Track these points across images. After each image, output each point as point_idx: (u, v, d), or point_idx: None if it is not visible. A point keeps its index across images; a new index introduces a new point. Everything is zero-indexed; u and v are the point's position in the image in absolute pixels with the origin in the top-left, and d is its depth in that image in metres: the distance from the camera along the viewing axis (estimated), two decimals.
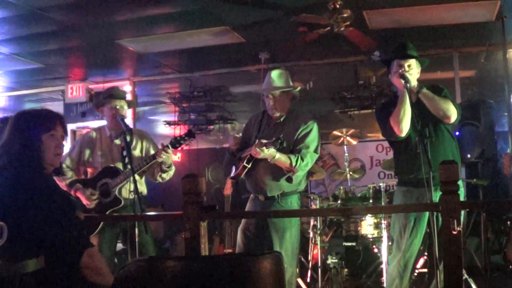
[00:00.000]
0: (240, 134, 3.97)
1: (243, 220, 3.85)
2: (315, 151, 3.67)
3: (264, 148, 3.39)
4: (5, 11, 4.82)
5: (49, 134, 2.30)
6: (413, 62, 3.39)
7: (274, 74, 3.76)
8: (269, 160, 3.50)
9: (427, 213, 3.29)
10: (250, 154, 3.55)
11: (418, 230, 3.33)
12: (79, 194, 3.75)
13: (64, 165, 3.86)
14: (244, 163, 3.60)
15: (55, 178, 2.48)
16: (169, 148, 3.71)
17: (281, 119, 3.73)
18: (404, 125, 3.29)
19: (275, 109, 3.70)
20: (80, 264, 2.12)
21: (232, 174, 3.77)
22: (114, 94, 3.95)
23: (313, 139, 3.67)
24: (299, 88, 3.82)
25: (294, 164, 3.52)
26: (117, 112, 3.87)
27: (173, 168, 3.95)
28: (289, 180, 3.61)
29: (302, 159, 3.55)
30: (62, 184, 3.73)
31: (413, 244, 3.34)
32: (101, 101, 4.00)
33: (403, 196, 3.45)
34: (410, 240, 3.33)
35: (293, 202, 3.69)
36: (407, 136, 3.34)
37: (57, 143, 2.32)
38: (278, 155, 3.47)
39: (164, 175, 3.93)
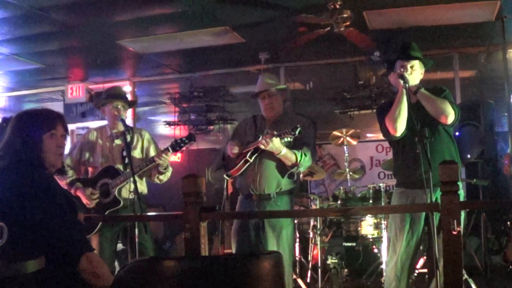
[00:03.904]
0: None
1: (235, 222, 3.80)
2: (314, 148, 3.70)
3: (274, 138, 3.38)
4: (5, 11, 4.82)
5: (49, 134, 2.29)
6: (416, 63, 3.38)
7: (266, 75, 3.87)
8: (275, 154, 3.50)
9: (423, 215, 3.28)
10: (254, 148, 3.53)
11: (414, 232, 3.32)
12: (79, 193, 3.77)
13: (64, 164, 3.86)
14: (247, 157, 3.55)
15: (56, 177, 2.48)
16: (169, 150, 3.72)
17: (277, 120, 3.73)
18: (399, 125, 3.29)
19: (272, 108, 3.71)
20: (79, 268, 2.12)
21: (230, 171, 3.71)
22: (115, 94, 3.96)
23: (312, 136, 3.73)
24: (288, 88, 3.87)
25: (299, 159, 3.52)
26: (119, 112, 3.88)
27: (170, 169, 3.95)
28: (291, 176, 3.61)
29: (305, 155, 3.56)
30: (63, 183, 3.73)
31: (408, 246, 3.32)
32: (102, 100, 4.01)
33: (398, 198, 3.45)
34: (405, 242, 3.32)
35: (288, 201, 3.70)
36: (405, 136, 3.34)
37: (58, 142, 2.32)
38: (285, 150, 3.48)
39: (161, 177, 3.93)
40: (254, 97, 3.86)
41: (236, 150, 3.64)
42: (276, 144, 3.42)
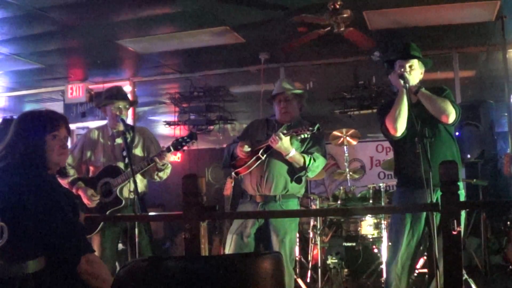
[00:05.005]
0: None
1: (235, 222, 3.73)
2: (324, 156, 3.70)
3: (282, 136, 3.37)
4: (5, 11, 4.82)
5: (52, 135, 2.29)
6: (415, 62, 3.38)
7: (285, 80, 3.90)
8: (284, 155, 3.49)
9: (424, 215, 3.28)
10: (267, 145, 3.52)
11: (415, 232, 3.32)
12: (80, 193, 3.78)
13: (66, 163, 3.85)
14: (259, 154, 3.54)
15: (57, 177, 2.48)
16: (170, 150, 3.73)
17: (290, 125, 3.71)
18: (399, 125, 3.29)
19: (286, 112, 3.70)
20: (78, 269, 2.12)
21: (239, 169, 3.67)
22: (116, 94, 3.96)
23: (323, 144, 3.72)
24: (306, 96, 3.86)
25: (307, 163, 3.52)
26: (120, 112, 3.88)
27: (169, 166, 3.94)
28: (299, 180, 3.61)
29: (315, 160, 3.56)
30: (64, 182, 3.73)
31: (409, 246, 3.32)
32: (103, 101, 4.01)
33: (399, 198, 3.46)
34: (406, 242, 3.32)
35: (293, 206, 3.68)
36: (406, 136, 3.34)
37: (60, 144, 2.32)
38: (294, 151, 3.47)
39: (160, 174, 3.93)
40: (270, 100, 3.85)
41: (247, 148, 3.62)
42: (284, 143, 3.41)
